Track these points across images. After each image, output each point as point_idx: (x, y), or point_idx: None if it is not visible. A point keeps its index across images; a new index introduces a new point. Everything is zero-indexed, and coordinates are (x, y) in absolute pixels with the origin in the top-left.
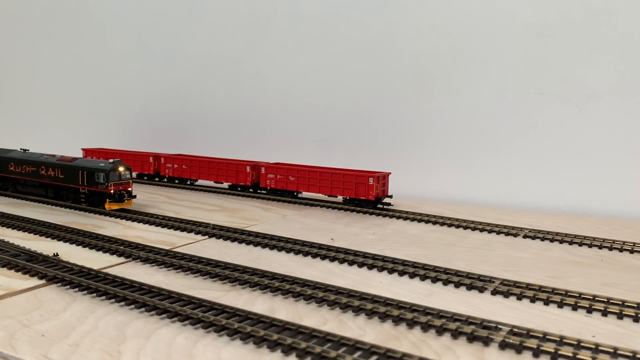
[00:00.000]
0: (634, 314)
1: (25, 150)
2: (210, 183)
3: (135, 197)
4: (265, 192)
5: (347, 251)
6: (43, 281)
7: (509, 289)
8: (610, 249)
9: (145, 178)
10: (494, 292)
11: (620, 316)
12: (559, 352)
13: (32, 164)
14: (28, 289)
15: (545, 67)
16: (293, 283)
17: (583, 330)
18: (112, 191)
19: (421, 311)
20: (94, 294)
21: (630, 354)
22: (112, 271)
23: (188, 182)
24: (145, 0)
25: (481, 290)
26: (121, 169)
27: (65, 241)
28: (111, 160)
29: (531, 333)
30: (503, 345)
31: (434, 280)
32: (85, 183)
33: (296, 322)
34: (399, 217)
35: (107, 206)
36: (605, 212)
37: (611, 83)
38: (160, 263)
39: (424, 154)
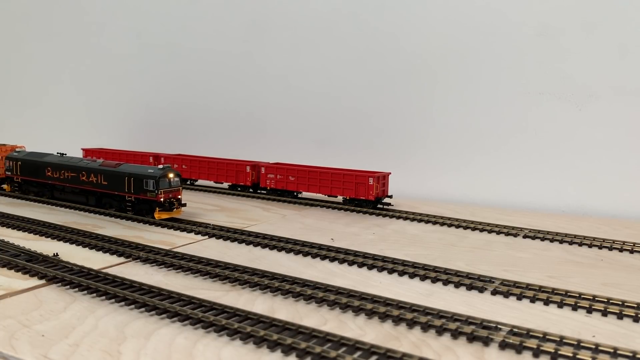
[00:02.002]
0: (634, 314)
1: (62, 154)
2: (210, 183)
3: (185, 205)
4: (265, 192)
5: (347, 251)
6: (43, 281)
7: (509, 289)
8: (610, 249)
9: None
10: (494, 292)
11: (620, 316)
12: (559, 352)
13: (71, 170)
14: (28, 289)
15: (545, 67)
16: (293, 283)
17: (583, 330)
18: (162, 199)
19: (421, 311)
20: (94, 294)
21: (630, 354)
22: (112, 271)
23: (188, 182)
24: (146, 0)
25: (481, 290)
26: (171, 175)
27: (65, 241)
28: (160, 166)
29: (531, 333)
30: (503, 345)
31: (434, 280)
32: (132, 190)
33: (296, 322)
34: (399, 217)
35: (156, 215)
36: (605, 212)
37: (611, 83)
38: (160, 263)
39: (424, 154)
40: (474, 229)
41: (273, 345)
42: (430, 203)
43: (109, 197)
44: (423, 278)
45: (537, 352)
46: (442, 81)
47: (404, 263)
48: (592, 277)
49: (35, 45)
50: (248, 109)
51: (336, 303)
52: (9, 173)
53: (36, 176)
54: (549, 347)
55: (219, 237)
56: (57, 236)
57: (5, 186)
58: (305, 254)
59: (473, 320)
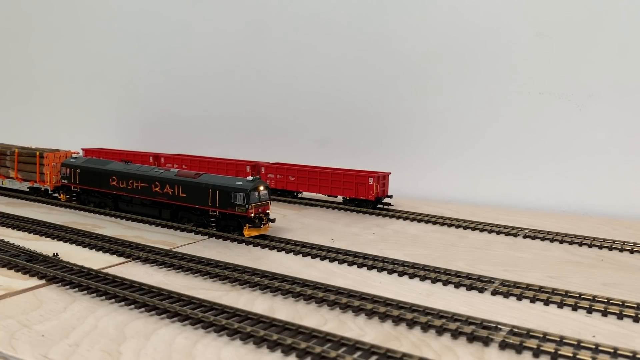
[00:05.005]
0: (634, 314)
1: (127, 162)
2: None
3: (274, 220)
4: None
5: (347, 251)
6: (43, 281)
7: (509, 289)
8: (610, 249)
9: None
10: (494, 293)
11: (620, 316)
12: (559, 352)
13: (141, 179)
14: (28, 289)
15: (545, 67)
16: (293, 283)
17: (583, 330)
18: (252, 215)
19: (421, 311)
20: (94, 294)
21: (630, 354)
22: (112, 271)
23: None
24: (146, 0)
25: (481, 290)
26: (261, 187)
27: (65, 241)
28: (250, 178)
29: (531, 333)
30: (503, 345)
31: (434, 280)
32: (217, 204)
33: (296, 322)
34: (399, 217)
35: (246, 233)
36: (605, 212)
37: (611, 83)
38: (160, 263)
39: (424, 154)
40: (474, 229)
41: (273, 345)
42: (430, 203)
43: (188, 211)
44: (423, 278)
45: (537, 352)
46: (442, 81)
47: (404, 263)
48: (592, 277)
49: (36, 45)
50: (248, 109)
51: (336, 303)
52: (65, 181)
53: (98, 185)
54: (549, 347)
55: (218, 237)
56: (57, 236)
57: (60, 195)
58: (305, 254)
59: (473, 321)
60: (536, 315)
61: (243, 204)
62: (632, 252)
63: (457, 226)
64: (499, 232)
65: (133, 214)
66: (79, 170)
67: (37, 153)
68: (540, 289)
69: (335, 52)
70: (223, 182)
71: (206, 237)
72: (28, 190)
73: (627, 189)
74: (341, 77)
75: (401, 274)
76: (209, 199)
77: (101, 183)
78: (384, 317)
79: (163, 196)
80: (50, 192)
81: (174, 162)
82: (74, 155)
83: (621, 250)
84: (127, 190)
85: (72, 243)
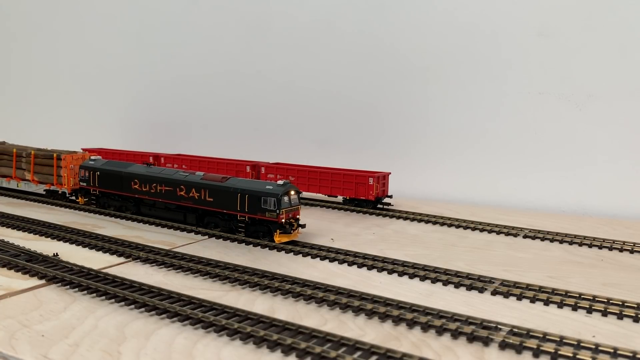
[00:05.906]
0: (634, 314)
1: (149, 165)
2: None
3: (304, 226)
4: None
5: (347, 252)
6: (43, 281)
7: (509, 289)
8: (610, 249)
9: None
10: (494, 293)
11: (620, 316)
12: (559, 352)
13: (165, 183)
14: (28, 289)
15: (545, 67)
16: (293, 283)
17: (583, 330)
18: (282, 220)
19: (421, 311)
20: (94, 294)
21: (630, 354)
22: (112, 271)
23: None
24: (147, 2)
25: (481, 290)
26: (292, 192)
27: (65, 241)
28: (280, 182)
29: (531, 333)
30: (503, 345)
31: (434, 280)
32: (247, 209)
33: (296, 322)
34: (399, 217)
35: (276, 239)
36: (605, 212)
37: (611, 83)
38: (160, 263)
39: (424, 154)
40: (474, 229)
41: (273, 345)
42: (430, 203)
43: (214, 216)
44: (423, 278)
45: (537, 352)
46: (442, 81)
47: (404, 263)
48: (592, 277)
49: (35, 45)
50: (248, 108)
51: (336, 303)
52: (84, 184)
53: (119, 189)
54: (549, 347)
55: (218, 237)
56: (57, 236)
57: (79, 199)
58: (305, 254)
59: (473, 321)
60: (536, 315)
61: (274, 209)
62: (632, 252)
63: (457, 226)
64: (499, 232)
65: (156, 219)
66: (98, 172)
67: (54, 155)
68: (540, 289)
69: (335, 53)
70: (252, 186)
71: (206, 237)
72: (44, 193)
73: (627, 189)
74: (341, 77)
75: (401, 274)
76: (238, 203)
77: (122, 186)
78: (384, 317)
79: (188, 200)
80: (67, 195)
81: (174, 162)
82: (92, 158)
83: (621, 250)
84: (150, 194)
85: (72, 243)
